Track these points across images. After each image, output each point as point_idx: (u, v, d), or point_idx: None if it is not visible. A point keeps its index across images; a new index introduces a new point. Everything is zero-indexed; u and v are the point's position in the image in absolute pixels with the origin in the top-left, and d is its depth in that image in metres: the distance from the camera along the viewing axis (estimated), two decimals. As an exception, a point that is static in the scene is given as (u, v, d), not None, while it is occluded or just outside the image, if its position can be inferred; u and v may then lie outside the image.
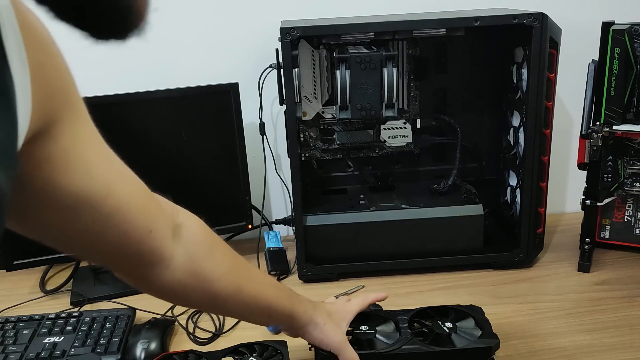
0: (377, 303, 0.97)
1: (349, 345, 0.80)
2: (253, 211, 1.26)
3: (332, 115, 1.17)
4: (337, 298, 0.95)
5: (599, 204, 1.16)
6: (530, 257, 1.16)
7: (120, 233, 0.53)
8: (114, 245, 0.54)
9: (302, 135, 1.21)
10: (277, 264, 1.20)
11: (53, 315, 1.00)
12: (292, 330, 0.80)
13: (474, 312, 0.89)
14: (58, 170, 0.46)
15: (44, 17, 0.37)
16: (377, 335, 0.85)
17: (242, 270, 0.71)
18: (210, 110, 1.17)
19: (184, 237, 0.64)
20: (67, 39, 0.39)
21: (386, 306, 1.04)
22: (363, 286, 1.12)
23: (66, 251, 0.56)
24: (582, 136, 1.12)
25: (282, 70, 1.05)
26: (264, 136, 1.26)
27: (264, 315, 0.74)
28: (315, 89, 1.15)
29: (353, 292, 1.10)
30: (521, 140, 1.14)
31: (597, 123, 1.08)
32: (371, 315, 0.90)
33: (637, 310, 1.00)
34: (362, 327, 0.87)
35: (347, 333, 0.85)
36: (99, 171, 0.50)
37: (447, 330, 0.85)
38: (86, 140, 0.49)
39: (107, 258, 0.58)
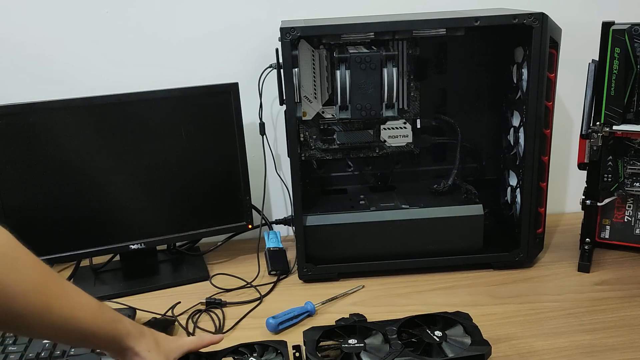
0: (360, 313, 0.97)
1: None
2: (253, 211, 1.26)
3: (332, 115, 1.17)
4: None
5: (599, 204, 1.16)
6: (530, 257, 1.16)
7: None
8: None
9: (302, 135, 1.21)
10: (277, 264, 1.21)
11: (53, 315, 1.00)
12: (115, 356, 0.75)
13: (461, 319, 0.89)
14: None
15: None
16: (367, 348, 0.83)
17: (54, 288, 0.65)
18: (210, 110, 1.17)
19: None
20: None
21: (384, 306, 1.05)
22: (363, 286, 1.12)
23: None
24: (582, 136, 1.12)
25: (282, 70, 1.05)
26: (264, 136, 1.26)
27: (76, 339, 0.69)
28: (315, 89, 1.15)
29: (353, 292, 1.10)
30: (521, 140, 1.14)
31: (597, 123, 1.08)
32: (357, 327, 0.89)
33: (637, 310, 1.00)
34: (350, 341, 0.85)
35: (335, 347, 0.84)
36: None
37: (437, 339, 0.84)
38: None
39: None
